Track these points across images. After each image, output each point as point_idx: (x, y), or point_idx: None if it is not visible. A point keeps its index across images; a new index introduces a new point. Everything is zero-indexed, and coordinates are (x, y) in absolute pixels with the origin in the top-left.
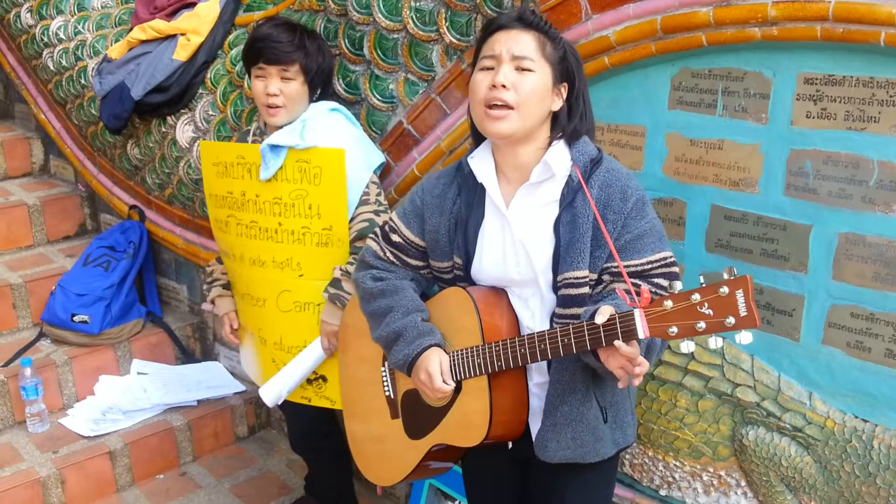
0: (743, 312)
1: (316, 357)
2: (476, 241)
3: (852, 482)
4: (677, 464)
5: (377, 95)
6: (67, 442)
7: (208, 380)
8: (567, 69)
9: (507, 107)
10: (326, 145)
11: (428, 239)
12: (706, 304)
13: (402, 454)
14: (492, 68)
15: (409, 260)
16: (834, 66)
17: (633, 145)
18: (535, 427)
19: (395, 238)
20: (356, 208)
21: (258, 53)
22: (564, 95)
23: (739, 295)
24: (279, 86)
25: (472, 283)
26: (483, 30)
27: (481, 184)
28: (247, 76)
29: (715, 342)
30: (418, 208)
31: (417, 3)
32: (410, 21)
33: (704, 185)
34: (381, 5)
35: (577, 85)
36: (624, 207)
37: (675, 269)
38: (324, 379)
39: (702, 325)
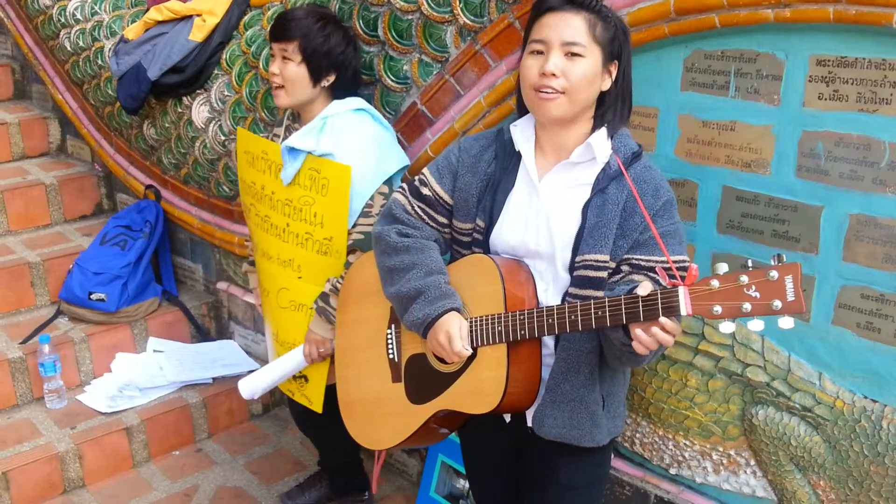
0: (791, 297)
1: (296, 362)
2: (503, 206)
3: (861, 462)
4: (687, 443)
5: (391, 76)
6: (85, 418)
7: (223, 358)
8: (618, 47)
9: (558, 92)
10: (343, 152)
11: (457, 197)
12: (754, 287)
13: (400, 419)
14: (542, 52)
15: (436, 216)
16: (846, 48)
17: (646, 126)
18: (536, 400)
19: (424, 191)
20: (357, 218)
21: (270, 27)
22: (614, 75)
23: (789, 280)
24: (279, 66)
25: (489, 250)
26: (533, 8)
27: (518, 152)
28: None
29: (756, 325)
30: (453, 165)
31: None
32: (425, 2)
33: (716, 167)
34: None
35: (623, 62)
36: (655, 204)
37: None
38: (305, 379)
39: (747, 306)
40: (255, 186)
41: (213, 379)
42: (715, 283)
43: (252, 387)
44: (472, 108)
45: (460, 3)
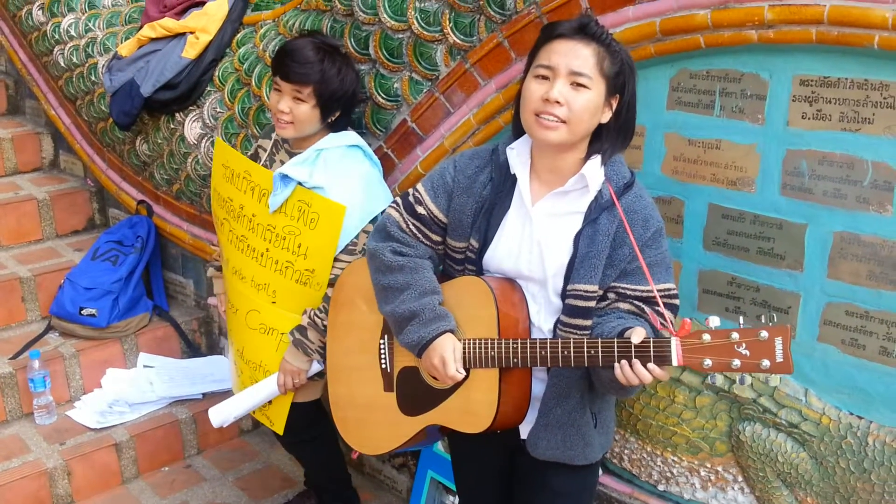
0: (779, 359)
1: (269, 391)
2: (497, 228)
3: (847, 478)
4: (675, 459)
5: (382, 94)
6: (74, 434)
7: (213, 373)
8: (622, 82)
9: (559, 120)
10: (334, 187)
11: (451, 217)
12: (744, 345)
13: (392, 427)
14: (546, 77)
15: (431, 234)
16: (829, 69)
17: (633, 145)
18: (529, 420)
19: (419, 210)
20: (338, 253)
21: (276, 66)
22: (614, 107)
23: (778, 342)
24: (290, 104)
25: (481, 269)
26: (543, 31)
27: (513, 175)
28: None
29: (741, 379)
30: (448, 185)
31: (422, 4)
32: (415, 21)
33: (702, 184)
34: (387, 5)
35: (626, 96)
36: (644, 235)
37: (677, 301)
38: (269, 401)
39: (737, 363)
40: (233, 203)
41: (203, 394)
42: (707, 337)
43: (223, 415)
44: (461, 125)
45: (450, 22)
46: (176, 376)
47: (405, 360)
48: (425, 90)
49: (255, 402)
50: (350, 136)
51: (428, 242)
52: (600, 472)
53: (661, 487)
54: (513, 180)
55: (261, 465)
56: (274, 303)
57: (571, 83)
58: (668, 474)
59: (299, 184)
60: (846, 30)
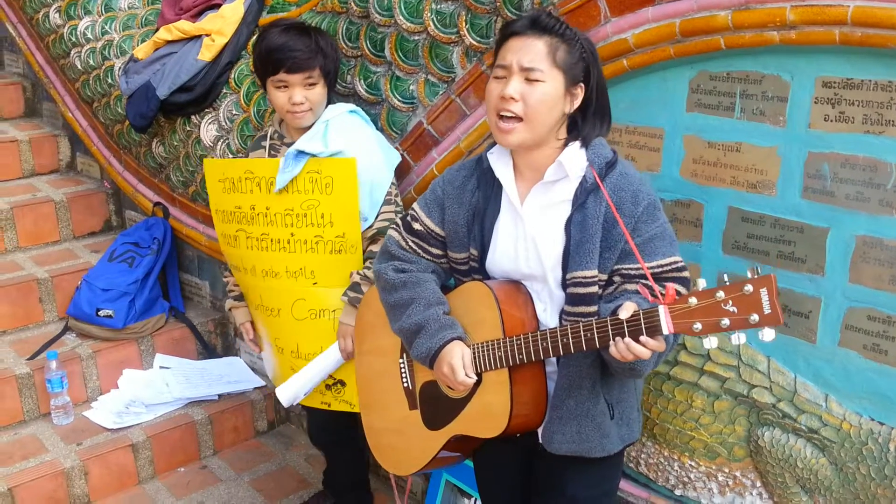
0: (767, 310)
1: (333, 360)
2: (491, 233)
3: (868, 484)
4: (693, 464)
5: (398, 96)
6: (91, 434)
7: (229, 374)
8: (584, 69)
9: (516, 118)
10: (354, 147)
11: (447, 229)
12: (731, 302)
13: (419, 444)
14: (504, 77)
15: (430, 248)
16: (852, 70)
17: (652, 147)
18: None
19: (416, 226)
20: (381, 207)
21: (278, 64)
22: (581, 96)
23: (764, 293)
24: (304, 93)
25: (487, 276)
26: (499, 33)
27: (499, 179)
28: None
29: (737, 338)
30: (439, 198)
31: (438, 6)
32: (431, 23)
33: (722, 187)
34: (403, 7)
35: (592, 83)
36: (635, 211)
37: (686, 273)
38: (342, 383)
39: (726, 321)
40: (242, 209)
41: (219, 395)
42: (693, 300)
43: (290, 392)
44: (477, 127)
45: (466, 23)
46: (192, 377)
47: (424, 375)
48: (441, 92)
49: (321, 373)
50: (347, 104)
51: (428, 257)
52: (621, 471)
53: (678, 492)
54: (499, 184)
55: (276, 466)
56: (315, 283)
57: (525, 78)
58: (686, 479)
59: (311, 158)
60: (870, 31)
